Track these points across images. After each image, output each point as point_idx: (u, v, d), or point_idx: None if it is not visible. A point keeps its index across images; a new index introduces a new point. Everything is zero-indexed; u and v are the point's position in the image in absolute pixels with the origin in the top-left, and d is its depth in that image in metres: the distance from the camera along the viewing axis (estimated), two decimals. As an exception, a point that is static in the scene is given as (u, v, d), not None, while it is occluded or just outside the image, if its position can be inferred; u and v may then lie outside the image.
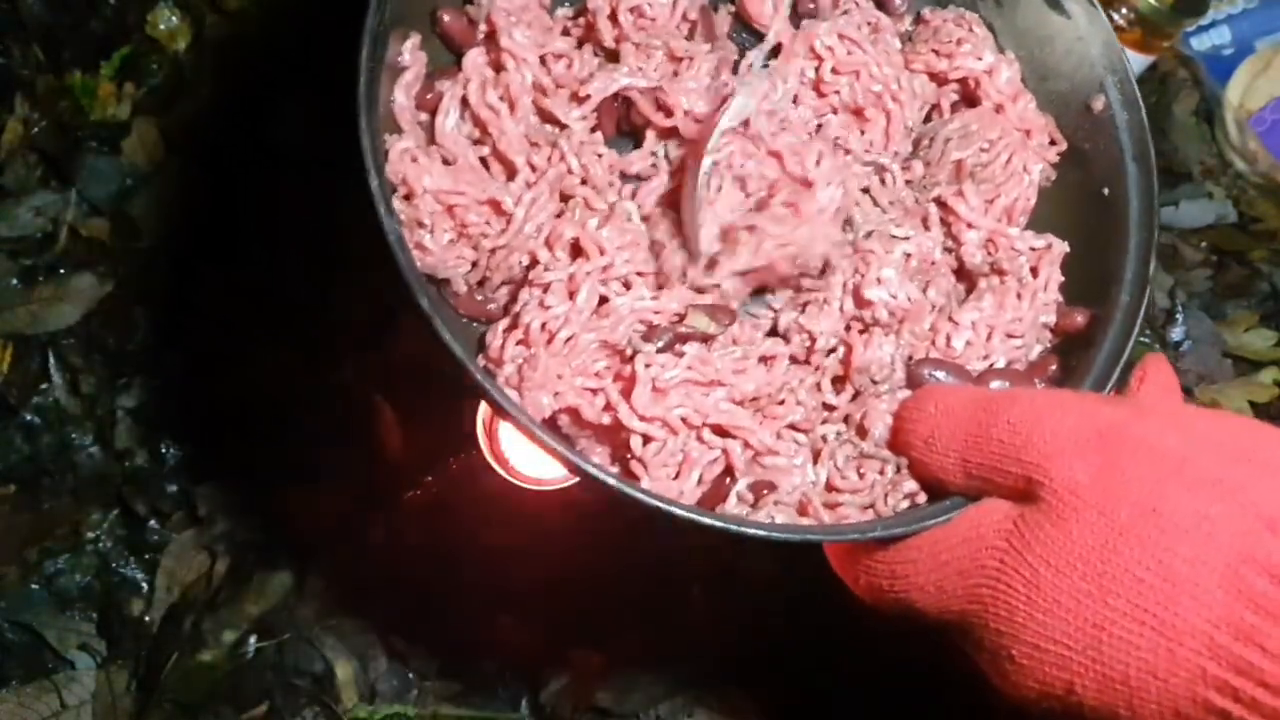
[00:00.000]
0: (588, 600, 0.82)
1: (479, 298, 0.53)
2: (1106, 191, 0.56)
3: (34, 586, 0.85)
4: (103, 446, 0.87)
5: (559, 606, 0.83)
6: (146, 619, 0.83)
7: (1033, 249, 0.55)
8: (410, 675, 0.83)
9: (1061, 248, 0.55)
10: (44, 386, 0.89)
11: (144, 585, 0.85)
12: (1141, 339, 0.91)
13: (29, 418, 0.88)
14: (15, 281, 0.91)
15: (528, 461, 0.73)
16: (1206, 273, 0.96)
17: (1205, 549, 0.34)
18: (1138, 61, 0.91)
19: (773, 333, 0.55)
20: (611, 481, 0.43)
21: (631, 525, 0.81)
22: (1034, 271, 0.55)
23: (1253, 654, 0.32)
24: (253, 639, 0.82)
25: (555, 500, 0.74)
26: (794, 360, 0.54)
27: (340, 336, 0.86)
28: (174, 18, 0.99)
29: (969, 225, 0.56)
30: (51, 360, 0.89)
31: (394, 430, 0.85)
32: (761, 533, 0.44)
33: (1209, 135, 1.01)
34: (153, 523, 0.86)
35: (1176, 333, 0.92)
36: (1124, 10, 0.86)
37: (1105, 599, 0.35)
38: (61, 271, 0.91)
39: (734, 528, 0.43)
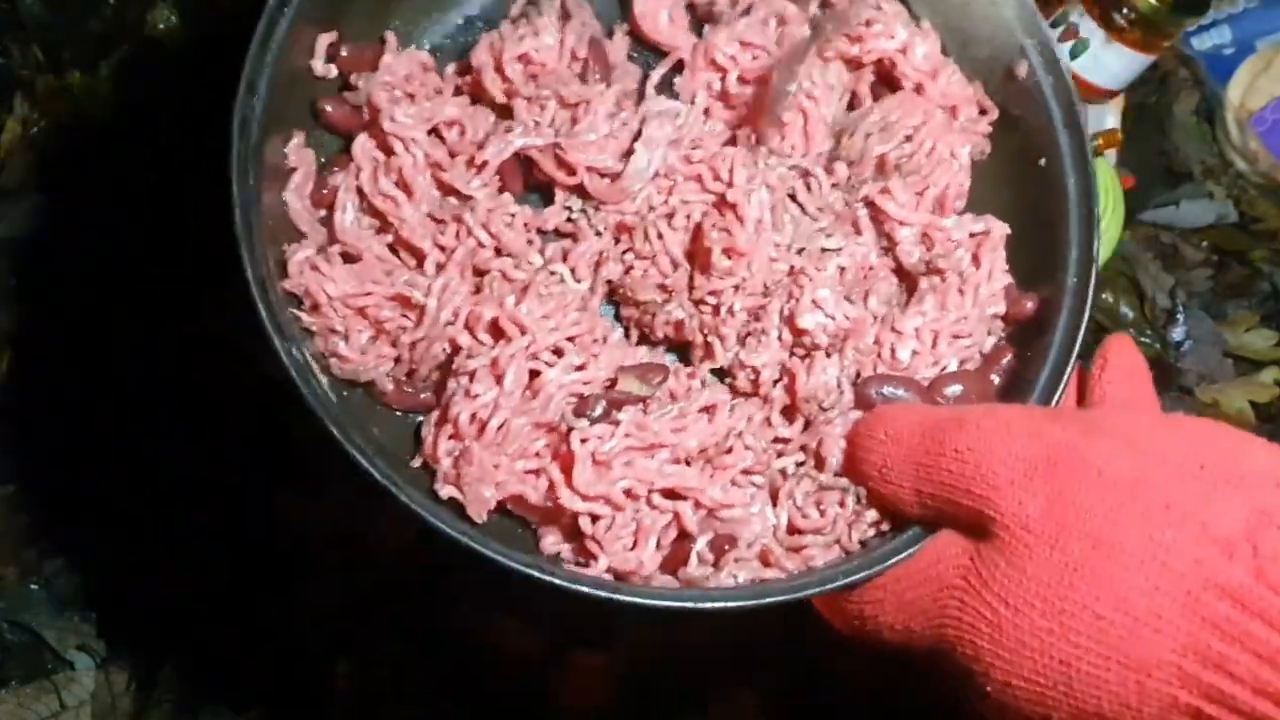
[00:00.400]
0: (588, 600, 0.82)
1: (409, 390, 0.51)
2: (1043, 163, 0.52)
3: (33, 587, 0.85)
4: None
5: (559, 606, 0.83)
6: (146, 619, 0.83)
7: (971, 236, 0.52)
8: (408, 675, 0.83)
9: (1001, 230, 0.52)
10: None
11: (143, 587, 0.85)
12: (1143, 339, 0.91)
13: (29, 417, 0.88)
14: (15, 283, 0.91)
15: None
16: (1207, 272, 0.96)
17: (1162, 578, 0.34)
18: (1138, 61, 0.90)
19: (717, 370, 0.53)
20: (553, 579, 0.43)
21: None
22: (975, 261, 0.51)
23: (1222, 681, 0.32)
24: (252, 640, 0.82)
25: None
26: (742, 394, 0.52)
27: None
28: (173, 17, 0.99)
29: (901, 223, 0.52)
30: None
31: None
32: (717, 604, 0.44)
33: (1209, 135, 1.01)
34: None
35: (1177, 332, 0.92)
36: (1124, 10, 0.86)
37: (1068, 636, 0.35)
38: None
39: (689, 604, 0.43)
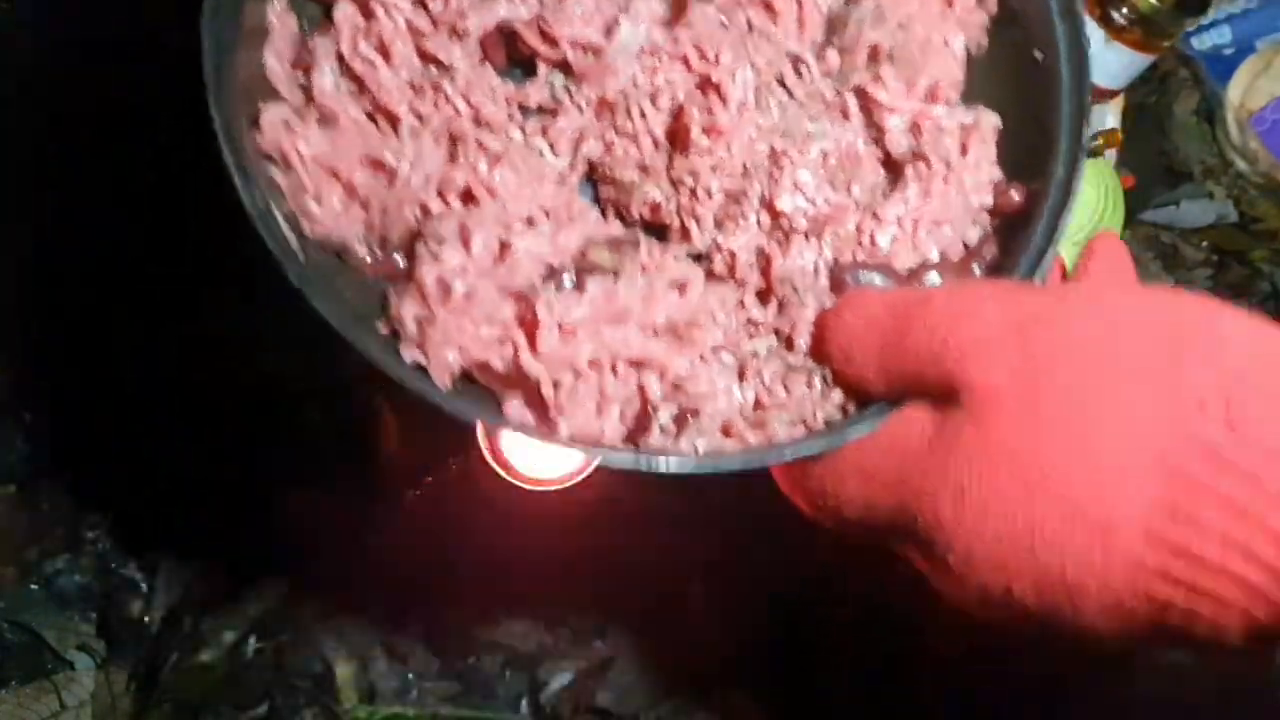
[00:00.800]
0: (588, 600, 0.82)
1: (379, 255, 0.50)
2: (1040, 56, 0.51)
3: (33, 587, 0.84)
4: (102, 446, 0.87)
5: (559, 606, 0.83)
6: (146, 619, 0.83)
7: (962, 126, 0.50)
8: (410, 675, 0.83)
9: (990, 121, 0.50)
10: (43, 387, 0.89)
11: (143, 586, 0.85)
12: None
13: (29, 418, 0.88)
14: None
15: (528, 462, 0.73)
16: (1207, 272, 0.96)
17: (1131, 435, 0.32)
18: (1138, 61, 0.90)
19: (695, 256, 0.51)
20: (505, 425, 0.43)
21: (631, 523, 0.81)
22: (963, 150, 0.50)
23: (1190, 536, 0.31)
24: (252, 639, 0.82)
25: (555, 500, 0.74)
26: (717, 278, 0.51)
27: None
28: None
29: (890, 110, 0.51)
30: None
31: (394, 430, 0.85)
32: (672, 470, 0.43)
33: (1210, 135, 1.01)
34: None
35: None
36: (1124, 10, 0.86)
37: (1034, 499, 0.33)
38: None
39: (643, 467, 0.43)
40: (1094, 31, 0.88)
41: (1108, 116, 0.97)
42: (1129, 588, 0.32)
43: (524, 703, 0.83)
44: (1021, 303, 0.37)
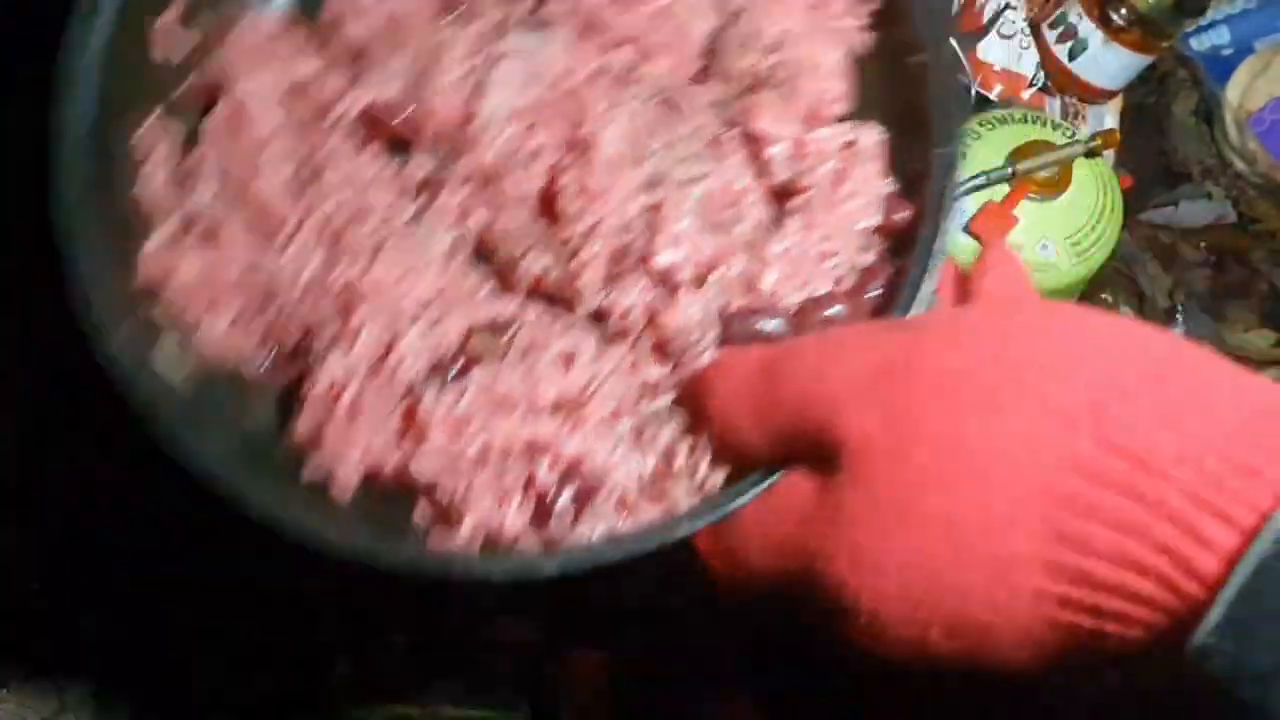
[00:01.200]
0: (588, 600, 0.82)
1: (276, 366, 0.50)
2: (926, 58, 0.49)
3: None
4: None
5: (559, 606, 0.84)
6: None
7: (843, 144, 0.48)
8: (409, 675, 0.83)
9: (871, 138, 0.48)
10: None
11: None
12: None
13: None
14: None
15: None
16: (1206, 273, 0.96)
17: (1007, 466, 0.31)
18: (1136, 62, 0.91)
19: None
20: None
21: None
22: (843, 174, 0.47)
23: (1083, 559, 0.30)
24: (254, 639, 0.82)
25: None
26: (615, 337, 0.49)
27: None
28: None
29: (771, 140, 0.48)
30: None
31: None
32: (558, 568, 0.42)
33: (1208, 135, 1.00)
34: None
35: (1176, 332, 0.93)
36: (1123, 10, 0.87)
37: (926, 547, 0.33)
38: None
39: (525, 574, 0.42)
40: (1092, 32, 0.89)
41: (1106, 117, 0.97)
42: (1036, 620, 0.31)
43: (526, 703, 0.83)
44: (884, 345, 0.36)
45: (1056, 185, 0.80)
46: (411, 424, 0.45)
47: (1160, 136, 0.97)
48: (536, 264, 0.49)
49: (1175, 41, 0.94)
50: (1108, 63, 0.88)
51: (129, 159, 0.48)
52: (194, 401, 0.46)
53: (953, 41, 0.48)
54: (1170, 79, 0.99)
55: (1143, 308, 0.93)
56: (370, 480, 0.46)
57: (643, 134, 0.49)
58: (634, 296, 0.47)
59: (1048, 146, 0.80)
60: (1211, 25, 1.03)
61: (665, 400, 0.47)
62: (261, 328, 0.48)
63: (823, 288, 0.47)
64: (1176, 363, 0.32)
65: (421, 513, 0.47)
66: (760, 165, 0.49)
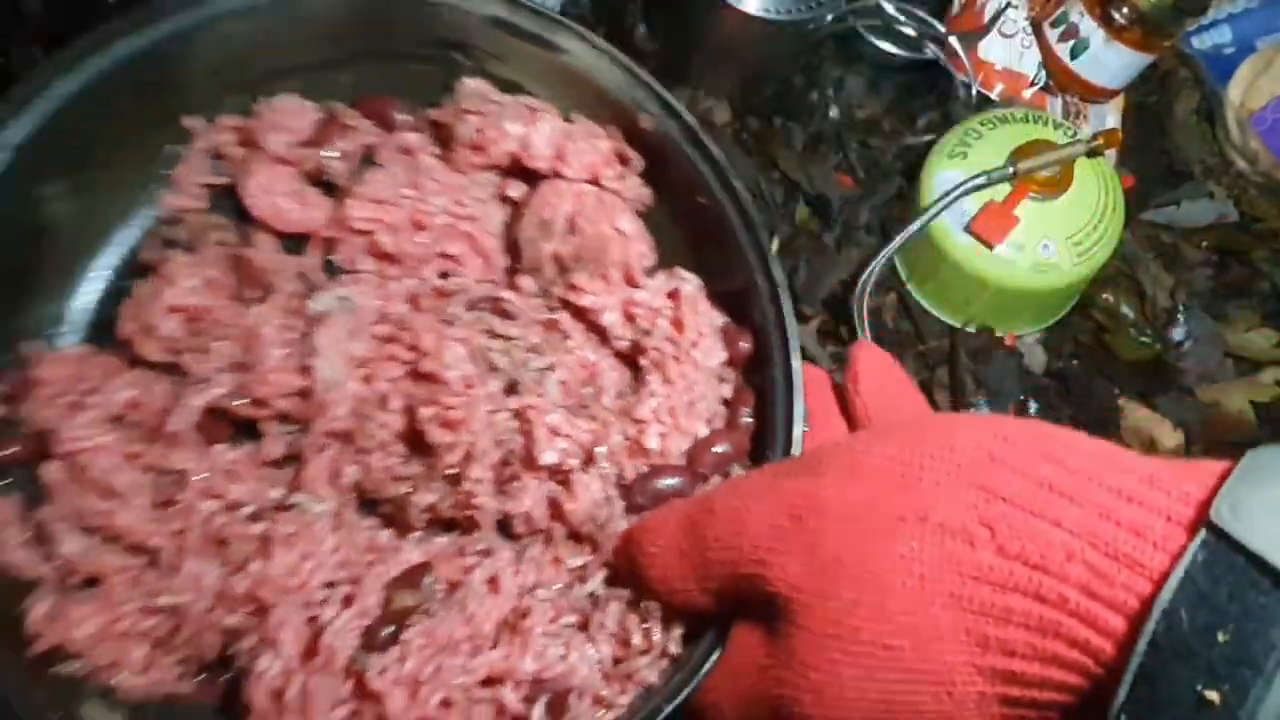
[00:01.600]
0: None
1: (206, 683, 0.51)
2: (703, 200, 0.53)
3: None
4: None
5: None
6: None
7: (667, 296, 0.53)
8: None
9: (692, 285, 0.53)
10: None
11: None
12: (1143, 339, 0.91)
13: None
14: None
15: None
16: (1207, 272, 0.97)
17: (923, 589, 0.37)
18: (1138, 61, 0.91)
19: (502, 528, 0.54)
20: None
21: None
22: (678, 324, 0.52)
23: (1009, 662, 0.36)
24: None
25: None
26: (523, 536, 0.52)
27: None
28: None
29: (599, 311, 0.53)
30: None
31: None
32: None
33: (1210, 135, 1.02)
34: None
35: (1177, 332, 0.93)
36: (1124, 9, 0.87)
37: (873, 676, 0.38)
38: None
39: None
40: (1094, 31, 0.89)
41: (1108, 116, 0.98)
42: (982, 715, 0.37)
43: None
44: (788, 493, 0.42)
45: (1058, 185, 0.81)
46: (366, 696, 0.47)
47: (1162, 136, 0.99)
48: (425, 498, 0.52)
49: (1177, 40, 0.94)
50: (1109, 62, 0.90)
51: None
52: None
53: (725, 170, 0.53)
54: (1172, 78, 1.01)
55: (1144, 307, 0.93)
56: None
57: (481, 343, 0.53)
58: (532, 497, 0.51)
59: (1049, 146, 0.81)
60: (1213, 24, 1.04)
61: (597, 580, 0.51)
62: (180, 653, 0.51)
63: (702, 430, 0.52)
64: (1044, 457, 0.37)
65: None
66: (600, 335, 0.55)
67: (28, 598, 0.48)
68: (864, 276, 0.75)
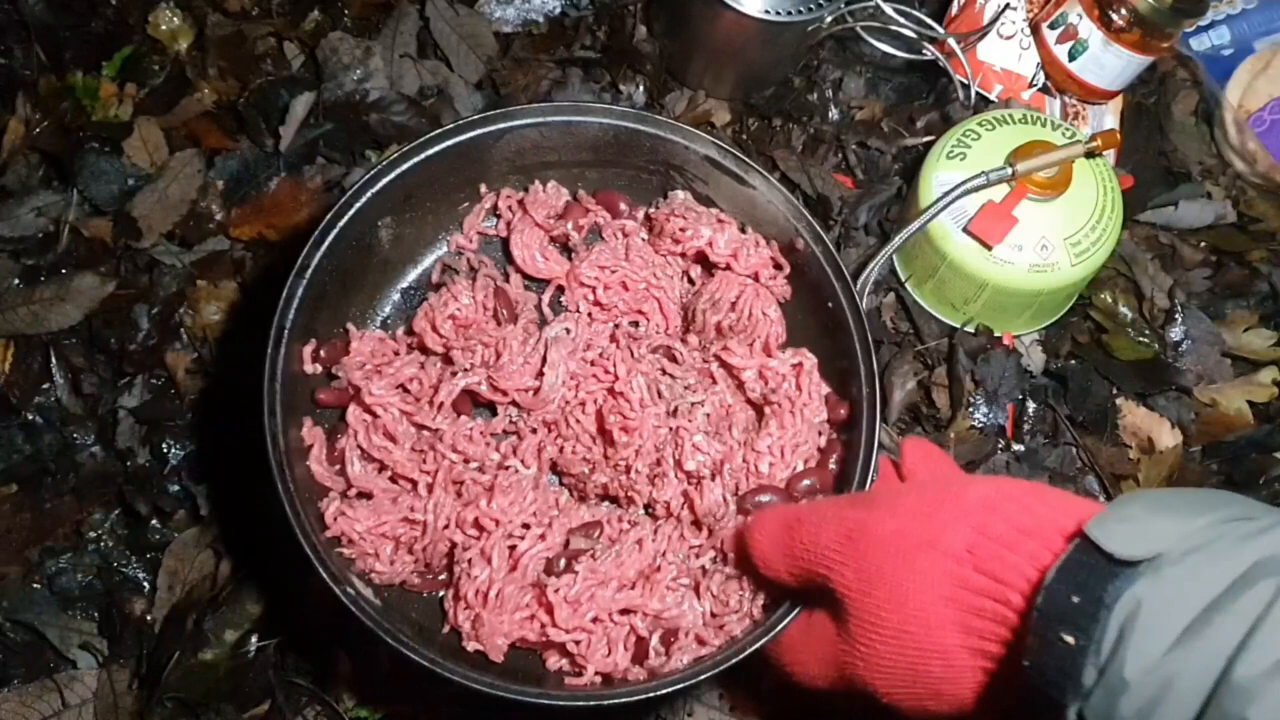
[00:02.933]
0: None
1: (429, 579, 0.71)
2: (831, 305, 0.72)
3: (35, 586, 0.89)
4: (105, 446, 0.91)
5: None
6: (148, 618, 0.87)
7: (793, 366, 0.71)
8: (411, 675, 0.83)
9: (811, 362, 0.71)
10: (45, 386, 0.94)
11: (146, 585, 0.89)
12: (1141, 339, 0.91)
13: (31, 417, 0.92)
14: (17, 281, 0.96)
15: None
16: (1206, 273, 0.98)
17: (928, 592, 0.51)
18: (1137, 62, 0.91)
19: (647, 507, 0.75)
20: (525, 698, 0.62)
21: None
22: (798, 387, 0.71)
23: (988, 644, 0.50)
24: (254, 638, 0.84)
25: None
26: (661, 519, 0.71)
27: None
28: (175, 18, 1.00)
29: (742, 369, 0.72)
30: (53, 360, 0.94)
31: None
32: (667, 689, 0.62)
33: (1208, 135, 1.03)
34: (155, 522, 0.89)
35: (1176, 332, 0.94)
36: (1123, 11, 0.88)
37: (901, 651, 0.52)
38: (63, 271, 0.97)
39: (640, 696, 0.61)
40: (1093, 32, 0.90)
41: (1107, 117, 0.98)
42: (976, 683, 0.51)
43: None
44: (848, 519, 0.56)
45: (1056, 185, 0.82)
46: (543, 604, 0.67)
47: (1160, 136, 1.00)
48: (600, 478, 0.73)
49: (1175, 42, 0.94)
50: (1108, 63, 0.90)
51: (303, 448, 0.70)
52: (384, 606, 0.67)
53: (850, 286, 0.70)
54: (1170, 79, 1.02)
55: (1142, 308, 0.93)
56: (511, 646, 0.69)
57: (655, 377, 0.73)
58: (672, 491, 0.71)
59: (1048, 147, 0.81)
60: (1211, 25, 1.05)
61: (707, 558, 0.70)
62: (417, 556, 0.70)
63: (799, 466, 0.70)
64: (1017, 508, 0.51)
65: (554, 662, 0.68)
66: (739, 385, 0.74)
67: (322, 500, 0.69)
68: (863, 276, 0.76)
